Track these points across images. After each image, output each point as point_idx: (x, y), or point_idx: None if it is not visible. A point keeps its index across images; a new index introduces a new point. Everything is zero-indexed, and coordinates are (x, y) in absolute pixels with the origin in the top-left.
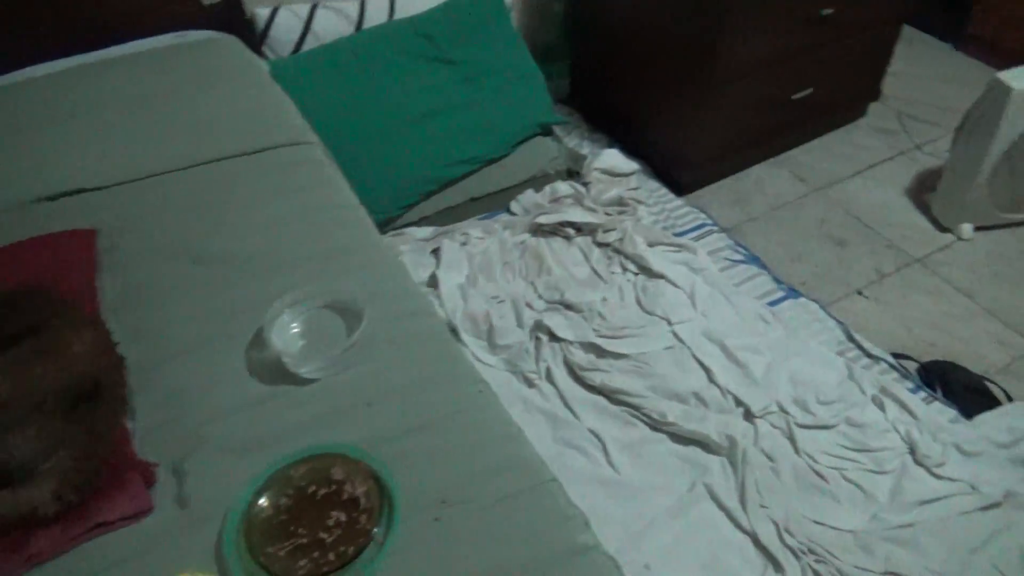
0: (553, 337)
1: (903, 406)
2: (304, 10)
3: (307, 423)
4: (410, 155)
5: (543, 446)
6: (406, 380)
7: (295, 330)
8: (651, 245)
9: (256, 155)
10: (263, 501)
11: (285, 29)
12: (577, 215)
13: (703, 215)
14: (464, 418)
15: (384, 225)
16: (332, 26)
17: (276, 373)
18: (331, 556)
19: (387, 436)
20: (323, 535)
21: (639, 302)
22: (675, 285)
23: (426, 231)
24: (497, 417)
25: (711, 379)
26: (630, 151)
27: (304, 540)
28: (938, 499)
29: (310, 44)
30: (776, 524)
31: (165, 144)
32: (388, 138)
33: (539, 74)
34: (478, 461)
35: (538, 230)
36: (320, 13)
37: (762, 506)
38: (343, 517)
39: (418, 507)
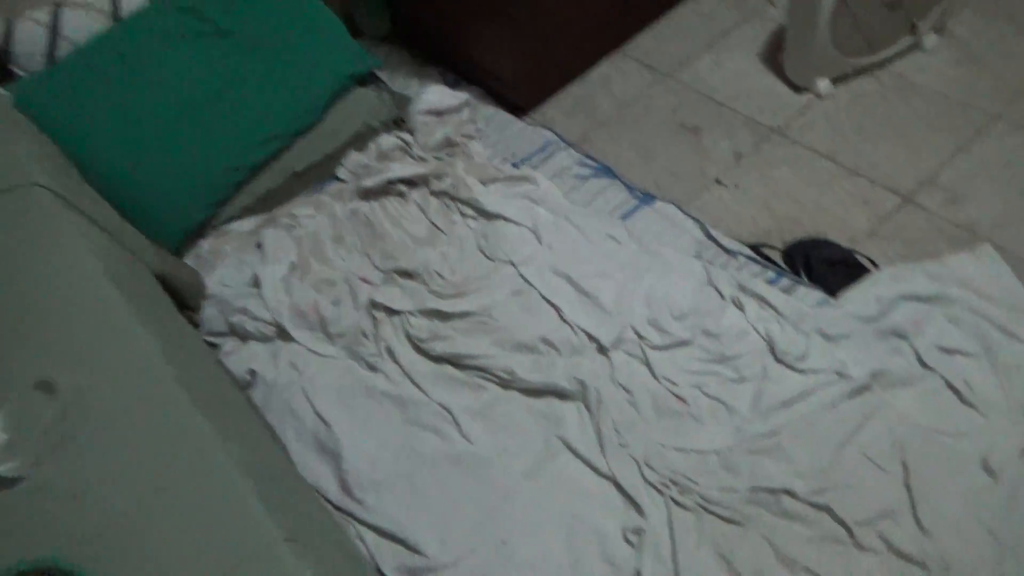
0: (391, 311)
1: (763, 301)
2: (45, 15)
3: (8, 531)
4: (204, 147)
5: (392, 435)
6: (124, 463)
7: None
8: (485, 184)
9: None
10: None
11: (29, 42)
12: (400, 170)
13: (547, 132)
14: (183, 498)
15: (202, 228)
16: (84, 25)
17: None
18: None
19: (99, 532)
20: None
21: (481, 250)
22: (516, 223)
23: (250, 223)
24: (222, 483)
25: (561, 318)
26: (465, 79)
27: None
28: (802, 396)
29: (65, 50)
30: (637, 461)
31: None
32: (173, 136)
33: (335, 20)
34: (194, 542)
35: (368, 194)
36: (66, 14)
37: (621, 445)
38: None
39: None
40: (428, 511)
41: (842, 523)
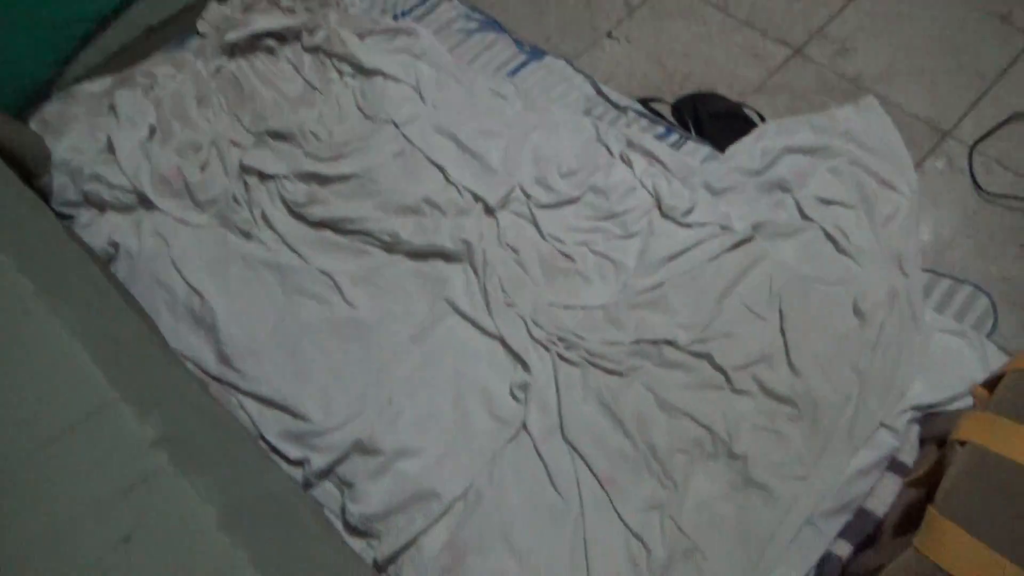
0: (264, 176)
1: (651, 156)
2: None
3: None
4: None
5: (271, 303)
6: None
7: None
8: (362, 38)
9: None
10: None
11: None
12: (265, 22)
13: None
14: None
15: (45, 89)
16: None
17: None
18: None
19: None
20: None
21: (360, 109)
22: (396, 80)
23: (101, 84)
24: (47, 340)
25: (446, 179)
26: None
27: None
28: (686, 250)
29: None
30: (524, 320)
31: None
32: None
33: None
34: (21, 401)
35: (234, 51)
36: None
37: (508, 305)
38: None
39: None
40: (311, 378)
41: (720, 369)
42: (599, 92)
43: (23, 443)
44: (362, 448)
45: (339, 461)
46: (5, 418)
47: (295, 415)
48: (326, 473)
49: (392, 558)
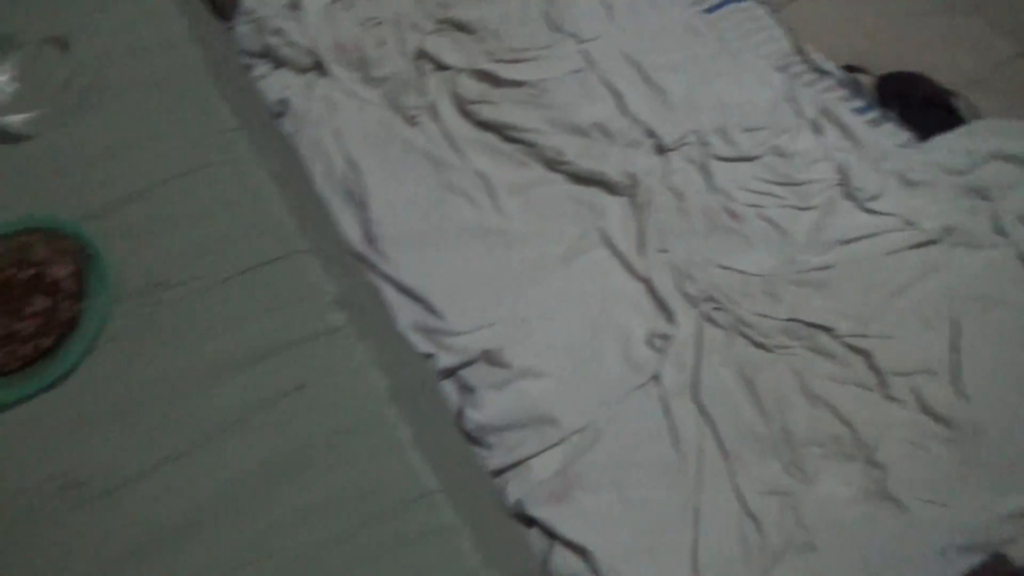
0: (440, 66)
1: (845, 130)
2: None
3: (11, 189)
4: None
5: (424, 193)
6: (142, 134)
7: (4, 75)
8: None
9: None
10: None
11: None
12: None
13: None
14: (202, 178)
15: None
16: None
17: None
18: (28, 348)
19: (109, 203)
20: (19, 325)
21: (546, 15)
22: None
23: None
24: (245, 174)
25: (622, 107)
26: None
27: None
28: (864, 236)
29: None
30: (677, 269)
31: None
32: None
33: None
34: (210, 230)
35: None
36: None
37: (662, 251)
38: (46, 304)
39: (136, 290)
40: (451, 277)
41: (876, 370)
42: (799, 50)
43: (212, 275)
44: (489, 358)
45: (464, 365)
46: (199, 245)
47: (430, 310)
48: (449, 373)
49: (500, 471)
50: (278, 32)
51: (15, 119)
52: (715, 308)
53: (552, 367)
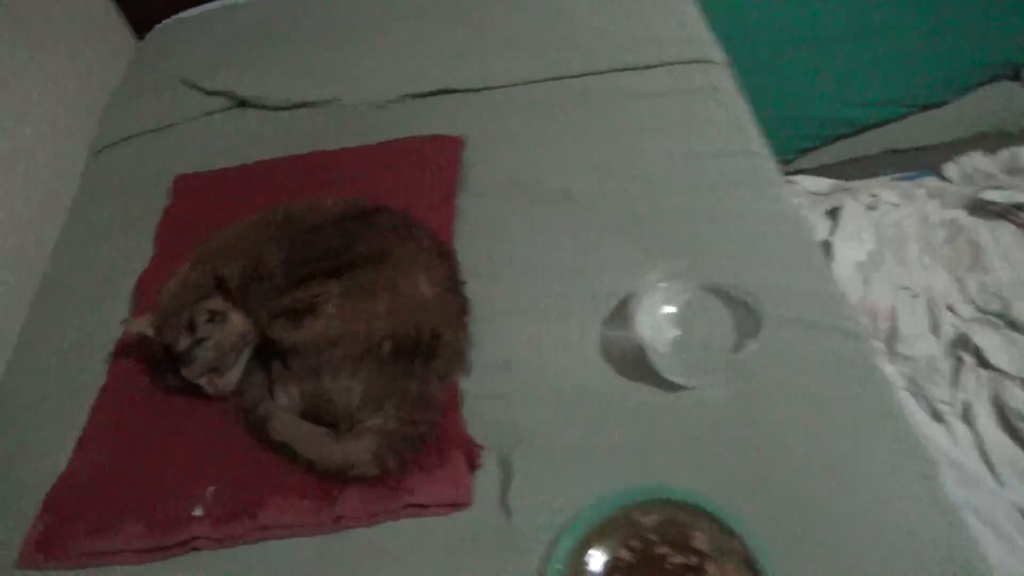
0: (983, 362)
1: None
2: None
3: (664, 444)
4: (817, 87)
5: None
6: (808, 416)
7: (668, 313)
8: None
9: (645, 72)
10: (597, 551)
11: None
12: None
13: None
14: (882, 488)
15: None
16: None
17: (634, 364)
18: None
19: (775, 495)
20: None
21: None
22: None
23: (823, 183)
24: (933, 497)
25: None
26: None
27: None
28: None
29: None
30: None
31: (542, 49)
32: (791, 63)
33: None
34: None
35: (979, 209)
36: None
37: None
38: None
39: None
40: None
41: None
42: None
43: None
44: None
45: None
46: None
47: None
48: None
49: None
50: None
51: (674, 371)
52: None
53: None
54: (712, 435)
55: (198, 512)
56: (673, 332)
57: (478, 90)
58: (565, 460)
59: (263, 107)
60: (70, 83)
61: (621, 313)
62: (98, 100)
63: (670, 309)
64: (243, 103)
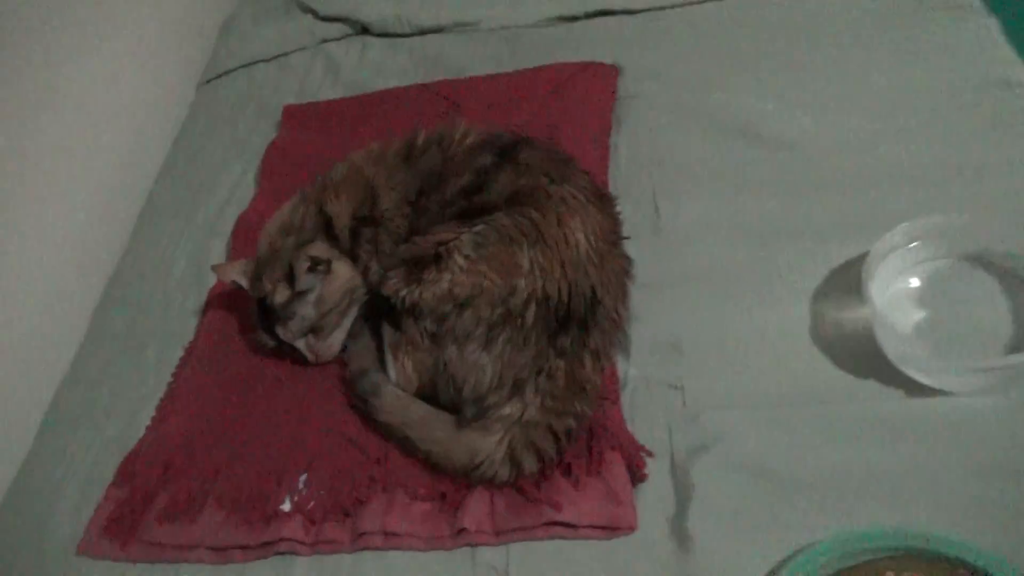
0: None
1: None
2: None
3: (911, 468)
4: None
5: None
6: None
7: (910, 286)
8: None
9: None
10: None
11: None
12: None
13: None
14: None
15: None
16: None
17: (862, 354)
18: None
19: None
20: None
21: None
22: None
23: None
24: None
25: None
26: None
27: None
28: None
29: None
30: None
31: None
32: None
33: None
34: None
35: None
36: None
37: None
38: None
39: None
40: None
41: None
42: None
43: None
44: None
45: None
46: None
47: None
48: None
49: None
50: None
51: (928, 370)
52: None
53: None
54: (980, 459)
55: (286, 507)
56: (917, 313)
57: (637, 11)
58: (764, 478)
59: (386, 34)
60: (181, 9)
61: (842, 286)
62: (210, 29)
63: (913, 282)
64: (365, 29)
